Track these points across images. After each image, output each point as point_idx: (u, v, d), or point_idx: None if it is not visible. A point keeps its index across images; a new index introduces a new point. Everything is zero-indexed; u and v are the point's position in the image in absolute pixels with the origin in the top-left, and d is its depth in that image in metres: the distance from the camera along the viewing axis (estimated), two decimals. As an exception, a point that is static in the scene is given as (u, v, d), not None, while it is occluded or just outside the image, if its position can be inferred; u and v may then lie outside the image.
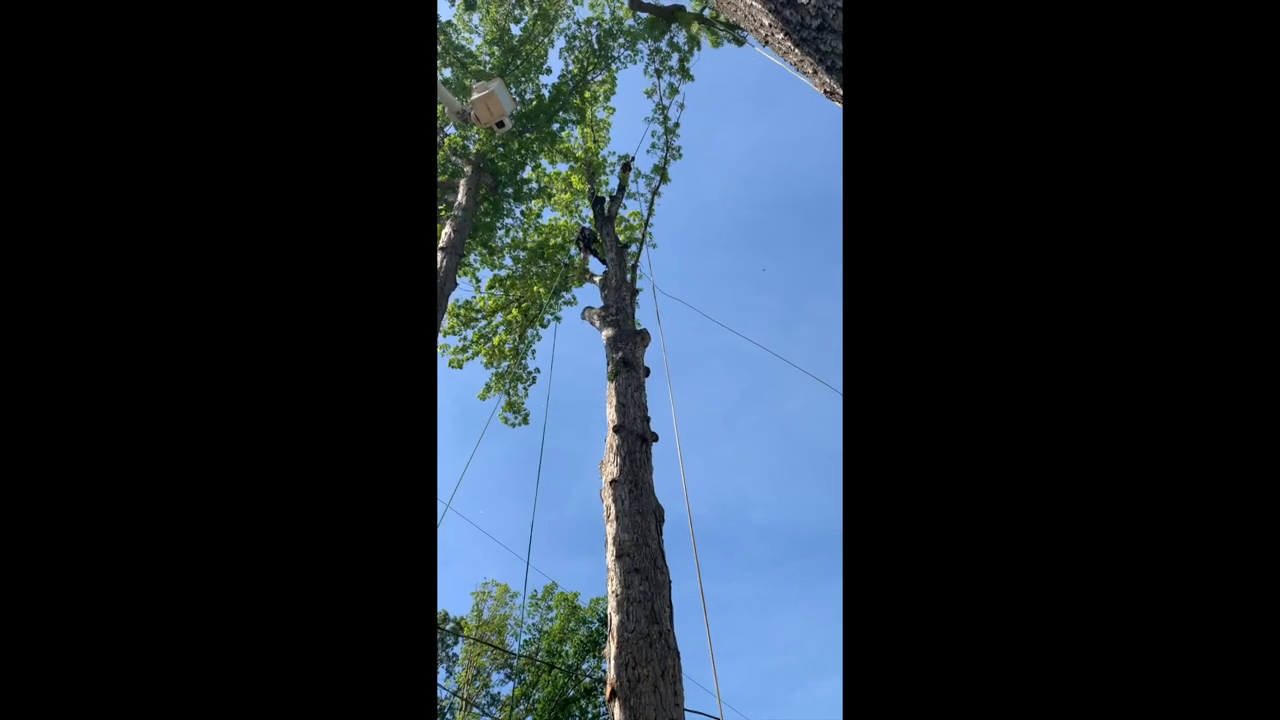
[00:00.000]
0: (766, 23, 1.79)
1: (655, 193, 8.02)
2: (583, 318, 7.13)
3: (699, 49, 7.54)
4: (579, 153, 8.99)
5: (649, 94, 7.85)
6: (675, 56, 7.62)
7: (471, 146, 7.91)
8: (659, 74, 7.69)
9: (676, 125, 7.87)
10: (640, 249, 7.63)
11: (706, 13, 7.23)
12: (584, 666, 12.53)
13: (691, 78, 7.77)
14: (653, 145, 8.04)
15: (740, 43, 7.06)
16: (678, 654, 3.62)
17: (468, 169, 7.60)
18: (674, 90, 7.75)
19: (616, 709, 3.29)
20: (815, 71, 1.66)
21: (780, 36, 1.74)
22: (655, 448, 4.95)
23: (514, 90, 7.85)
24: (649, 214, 7.92)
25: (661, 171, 7.96)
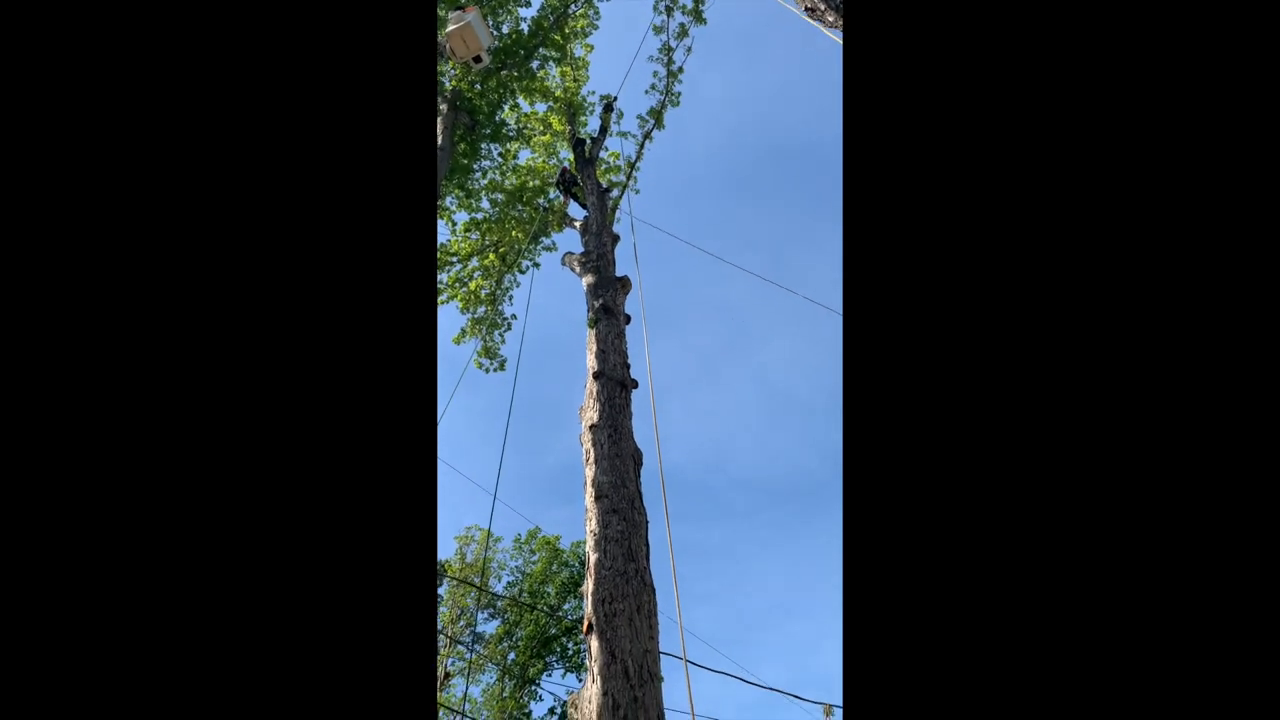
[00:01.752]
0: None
1: (647, 136, 7.76)
2: (563, 263, 7.04)
3: None
4: (558, 92, 8.69)
5: (657, 31, 7.52)
6: None
7: (447, 83, 7.60)
8: (669, 11, 7.34)
9: (680, 70, 7.55)
10: (622, 193, 7.48)
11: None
12: (565, 607, 12.92)
13: (704, 20, 7.42)
14: (651, 87, 7.72)
15: None
16: (653, 590, 3.73)
17: (443, 107, 7.32)
18: (684, 31, 7.41)
19: (594, 642, 3.40)
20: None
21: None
22: (635, 394, 4.98)
23: (490, 22, 7.48)
24: (637, 158, 7.70)
25: (658, 116, 7.67)
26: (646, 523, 4.06)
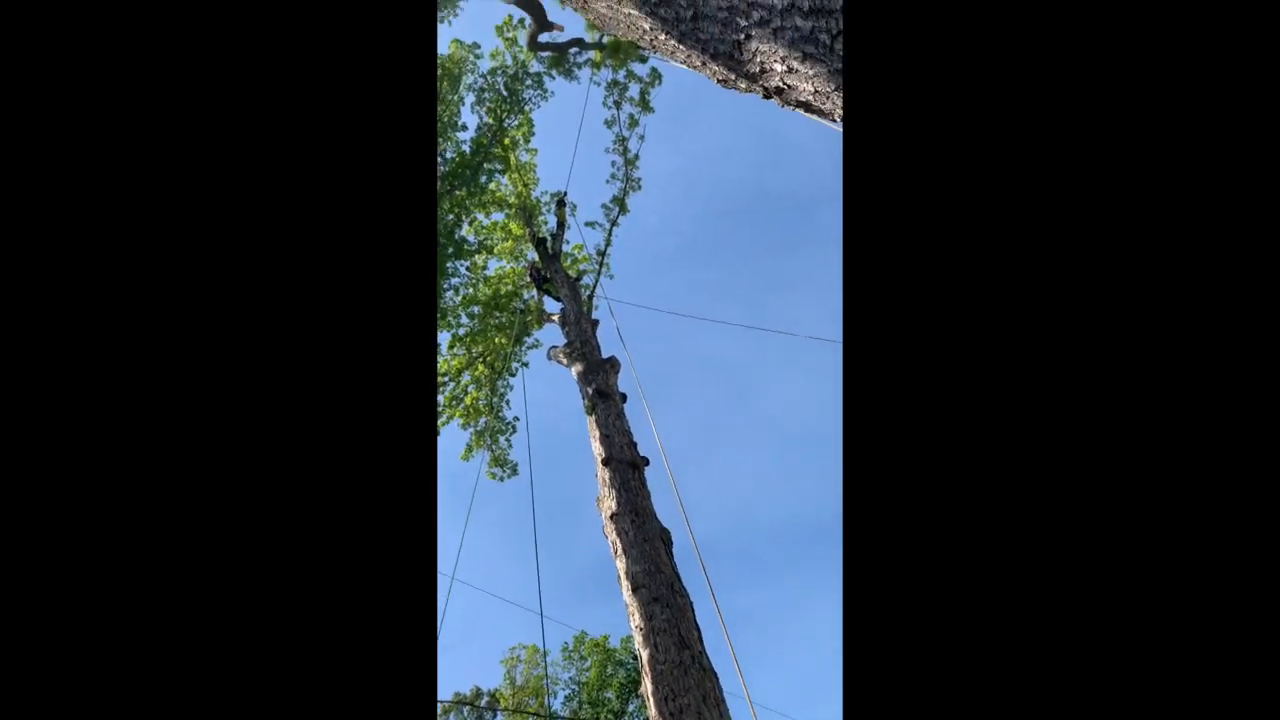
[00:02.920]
0: (647, 27, 1.78)
1: (614, 223, 8.02)
2: (549, 358, 7.06)
3: (660, 82, 7.62)
4: (512, 199, 8.99)
5: (609, 124, 7.91)
6: (635, 87, 7.67)
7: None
8: (618, 105, 7.74)
9: (637, 157, 7.91)
10: (597, 280, 7.61)
11: (604, 40, 7.33)
12: (629, 709, 12.18)
13: (652, 109, 7.83)
14: (612, 176, 8.05)
15: (643, 59, 7.15)
16: (715, 675, 3.50)
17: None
18: (634, 122, 7.81)
19: (664, 748, 3.16)
20: (704, 64, 1.64)
21: (663, 38, 1.73)
22: (648, 471, 4.87)
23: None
24: (606, 244, 7.92)
25: (620, 203, 7.96)
26: (691, 604, 3.86)
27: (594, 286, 7.46)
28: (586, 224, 8.26)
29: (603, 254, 7.94)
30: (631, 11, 1.84)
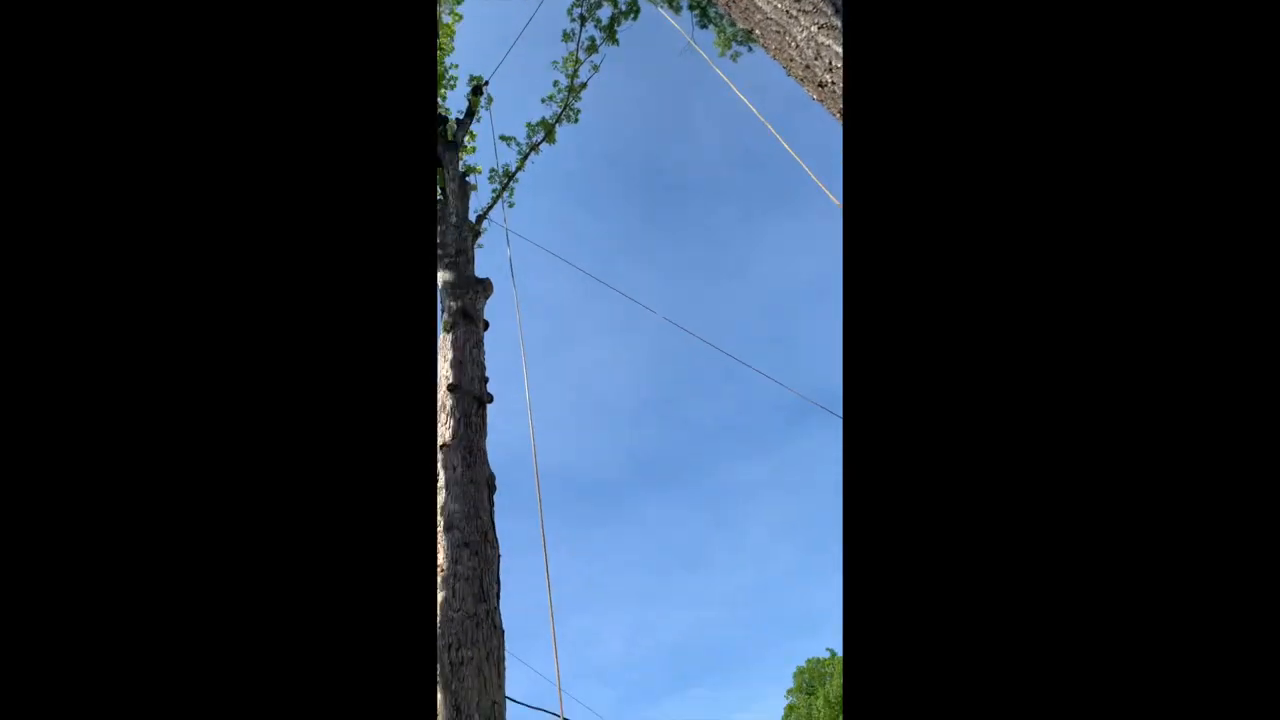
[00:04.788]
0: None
1: (534, 148, 7.25)
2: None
3: (635, 17, 6.94)
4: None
5: (566, 38, 7.08)
6: (607, 10, 6.93)
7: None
8: (583, 20, 6.95)
9: (584, 85, 7.18)
10: (494, 202, 6.98)
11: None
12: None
13: (616, 41, 7.12)
14: (550, 96, 7.23)
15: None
16: (503, 633, 3.53)
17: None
18: (593, 47, 7.07)
19: (438, 694, 3.12)
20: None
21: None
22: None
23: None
24: (518, 168, 7.21)
25: (549, 129, 7.18)
26: (499, 556, 3.83)
27: (491, 205, 6.86)
28: (504, 139, 7.46)
29: (510, 175, 7.29)
30: None
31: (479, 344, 5.01)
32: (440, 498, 3.93)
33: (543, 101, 7.24)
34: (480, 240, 6.49)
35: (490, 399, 4.79)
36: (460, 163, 7.02)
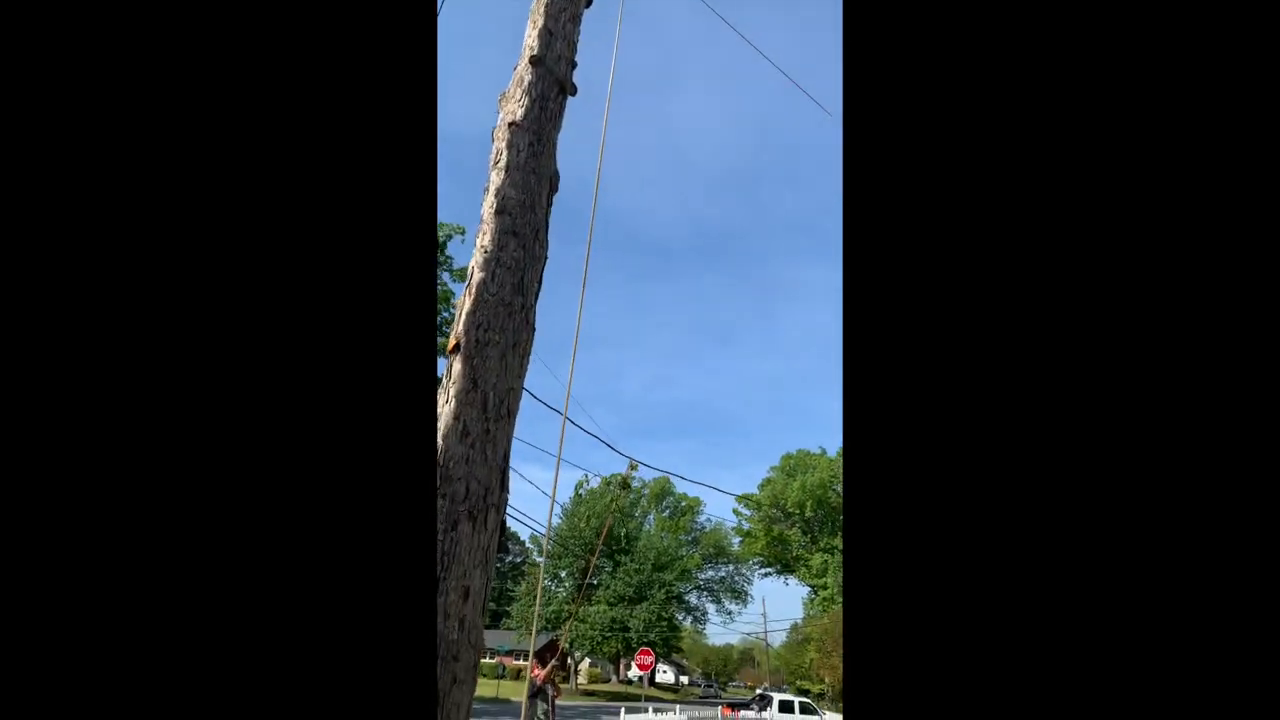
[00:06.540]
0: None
1: None
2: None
3: None
4: None
5: None
6: None
7: None
8: None
9: None
10: None
11: None
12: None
13: None
14: None
15: None
16: (534, 330, 3.46)
17: None
18: None
19: (456, 364, 3.14)
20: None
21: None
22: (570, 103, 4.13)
23: None
24: None
25: None
26: (546, 258, 3.63)
27: None
28: None
29: None
30: None
31: (575, 19, 4.27)
32: (496, 178, 3.61)
33: None
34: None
35: (574, 90, 4.20)
36: None
